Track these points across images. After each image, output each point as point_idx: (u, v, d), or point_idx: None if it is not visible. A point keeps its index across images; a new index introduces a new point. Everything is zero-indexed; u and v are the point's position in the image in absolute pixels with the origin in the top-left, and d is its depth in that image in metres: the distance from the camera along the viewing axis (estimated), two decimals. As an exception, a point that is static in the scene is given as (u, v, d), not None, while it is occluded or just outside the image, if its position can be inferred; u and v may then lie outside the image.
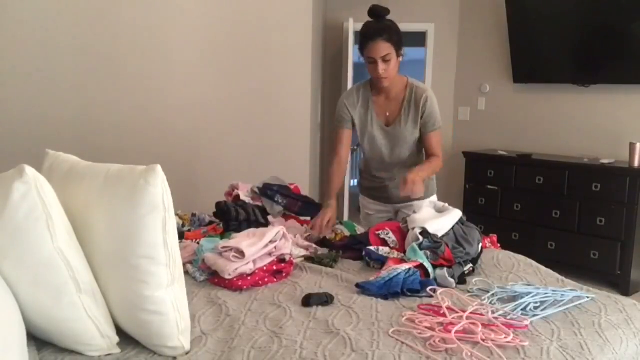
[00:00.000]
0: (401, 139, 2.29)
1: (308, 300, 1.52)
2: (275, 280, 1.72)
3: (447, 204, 2.08)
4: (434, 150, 2.30)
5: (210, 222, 2.30)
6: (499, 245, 2.22)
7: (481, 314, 1.42)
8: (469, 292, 1.65)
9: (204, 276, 1.73)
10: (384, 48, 2.10)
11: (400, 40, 2.16)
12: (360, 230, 2.28)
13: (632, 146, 3.70)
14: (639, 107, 3.97)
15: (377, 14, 2.16)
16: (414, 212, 2.02)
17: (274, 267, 1.74)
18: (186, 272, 1.72)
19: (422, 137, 2.31)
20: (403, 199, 2.29)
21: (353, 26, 4.65)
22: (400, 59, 2.19)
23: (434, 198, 2.48)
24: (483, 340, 1.28)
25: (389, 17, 2.20)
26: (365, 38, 2.13)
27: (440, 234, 1.87)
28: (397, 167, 2.37)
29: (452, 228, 1.89)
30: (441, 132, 2.34)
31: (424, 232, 1.87)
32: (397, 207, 2.46)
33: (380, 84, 2.21)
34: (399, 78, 2.27)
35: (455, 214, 1.99)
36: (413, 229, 1.89)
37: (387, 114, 2.30)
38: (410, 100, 2.25)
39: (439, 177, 2.56)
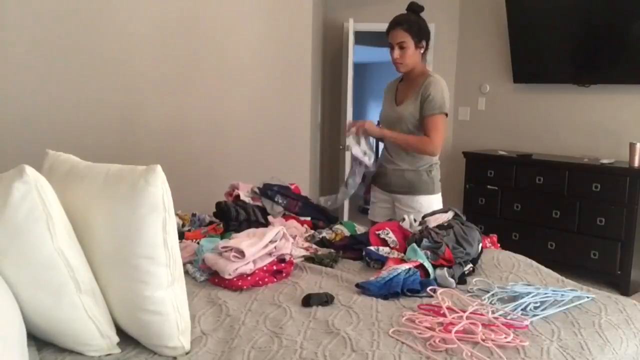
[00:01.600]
0: (402, 116, 2.43)
1: (308, 300, 1.52)
2: (275, 280, 1.72)
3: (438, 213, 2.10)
4: (427, 132, 2.39)
5: (210, 222, 2.30)
6: (499, 245, 2.22)
7: (481, 314, 1.42)
8: (469, 292, 1.65)
9: (204, 276, 1.73)
10: (399, 36, 2.38)
11: (421, 32, 2.41)
12: (360, 230, 2.29)
13: (632, 146, 3.69)
14: (639, 107, 3.96)
15: (409, 8, 2.45)
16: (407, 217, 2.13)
17: (274, 267, 1.74)
18: (186, 272, 1.72)
19: (422, 122, 2.41)
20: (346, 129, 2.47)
21: (353, 26, 4.64)
22: (421, 50, 2.44)
23: (434, 198, 2.48)
24: (483, 340, 1.28)
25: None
26: (388, 27, 2.43)
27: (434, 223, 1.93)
28: (396, 149, 2.49)
29: (452, 228, 1.90)
30: (443, 121, 2.39)
31: (424, 229, 1.87)
32: (393, 197, 2.54)
33: (396, 68, 2.46)
34: (423, 71, 2.47)
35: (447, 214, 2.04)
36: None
37: (402, 98, 2.49)
38: (422, 85, 2.42)
39: (440, 178, 2.56)
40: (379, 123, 2.71)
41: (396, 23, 2.40)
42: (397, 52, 2.40)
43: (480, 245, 1.92)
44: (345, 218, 4.83)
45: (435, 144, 2.37)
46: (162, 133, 3.34)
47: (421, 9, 2.45)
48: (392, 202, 2.55)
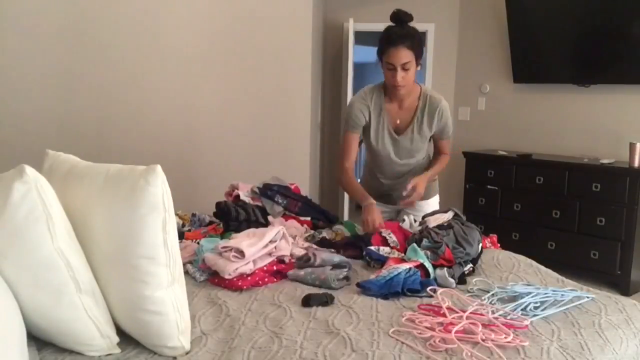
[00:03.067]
0: (411, 150, 2.26)
1: (308, 300, 1.52)
2: (275, 280, 1.72)
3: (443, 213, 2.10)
4: (444, 151, 2.39)
5: (210, 222, 2.30)
6: (499, 245, 2.22)
7: (481, 314, 1.42)
8: (469, 292, 1.65)
9: (204, 276, 1.73)
10: (405, 55, 2.02)
11: (421, 49, 2.10)
12: (360, 230, 2.27)
13: (632, 146, 3.70)
14: (639, 107, 3.96)
15: (401, 19, 2.06)
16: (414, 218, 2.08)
17: (274, 267, 1.74)
18: (186, 272, 1.72)
19: (434, 141, 2.38)
20: (404, 202, 2.21)
21: (353, 26, 4.65)
22: (419, 67, 2.12)
23: (436, 199, 2.49)
24: (483, 340, 1.28)
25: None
26: (387, 43, 2.04)
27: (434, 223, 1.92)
28: (403, 176, 2.35)
29: (452, 228, 1.89)
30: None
31: (424, 229, 1.87)
32: (399, 208, 2.46)
33: (396, 91, 2.14)
34: (413, 86, 2.19)
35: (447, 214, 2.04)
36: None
37: (398, 122, 2.23)
38: (423, 110, 2.19)
39: (439, 177, 2.56)
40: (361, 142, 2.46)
41: (399, 39, 2.01)
42: (400, 75, 2.04)
43: (480, 245, 1.92)
44: (346, 218, 4.83)
45: (449, 157, 2.43)
46: (163, 133, 3.34)
47: (410, 18, 2.08)
48: (395, 212, 2.49)
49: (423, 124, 2.21)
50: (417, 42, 2.05)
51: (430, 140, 2.36)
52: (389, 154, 2.29)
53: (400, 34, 2.03)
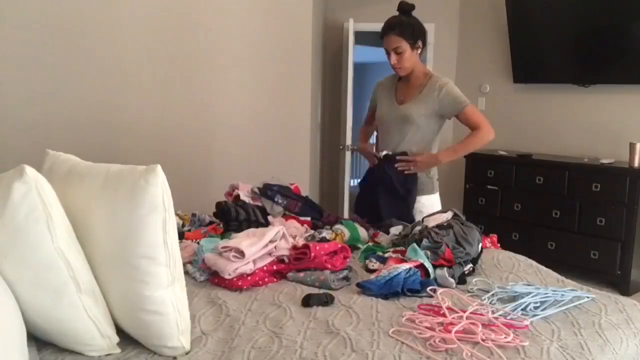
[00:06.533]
0: (409, 116, 2.39)
1: (308, 301, 1.52)
2: (275, 280, 1.73)
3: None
4: (472, 123, 2.40)
5: (210, 222, 2.30)
6: (499, 245, 2.22)
7: (481, 314, 1.42)
8: (469, 292, 1.66)
9: (204, 276, 1.73)
10: (394, 41, 2.32)
11: (415, 34, 2.34)
12: (361, 230, 2.28)
13: (632, 146, 3.70)
14: (639, 107, 3.96)
15: (400, 9, 2.38)
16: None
17: (274, 267, 1.74)
18: (186, 272, 1.72)
19: (459, 120, 2.43)
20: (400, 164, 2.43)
21: (353, 26, 4.64)
22: (418, 51, 2.39)
23: (436, 197, 2.49)
24: (483, 340, 1.28)
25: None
26: (381, 31, 2.37)
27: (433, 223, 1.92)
28: (399, 151, 2.44)
29: (452, 228, 1.90)
30: (474, 107, 2.42)
31: (424, 229, 1.87)
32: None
33: (396, 72, 2.45)
34: (423, 71, 2.45)
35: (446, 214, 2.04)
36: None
37: (403, 98, 2.46)
38: (426, 85, 2.40)
39: (440, 177, 2.56)
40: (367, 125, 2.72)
41: (388, 28, 2.33)
42: (394, 58, 2.35)
43: (480, 245, 1.92)
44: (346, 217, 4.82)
45: (488, 128, 2.40)
46: (163, 133, 3.34)
47: (412, 7, 2.38)
48: None
49: (422, 95, 2.39)
50: (406, 29, 2.32)
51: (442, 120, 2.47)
52: (389, 123, 2.48)
53: (391, 23, 2.34)
